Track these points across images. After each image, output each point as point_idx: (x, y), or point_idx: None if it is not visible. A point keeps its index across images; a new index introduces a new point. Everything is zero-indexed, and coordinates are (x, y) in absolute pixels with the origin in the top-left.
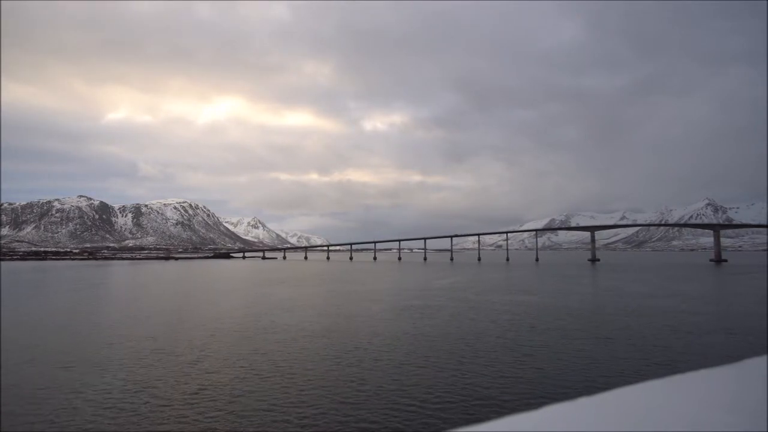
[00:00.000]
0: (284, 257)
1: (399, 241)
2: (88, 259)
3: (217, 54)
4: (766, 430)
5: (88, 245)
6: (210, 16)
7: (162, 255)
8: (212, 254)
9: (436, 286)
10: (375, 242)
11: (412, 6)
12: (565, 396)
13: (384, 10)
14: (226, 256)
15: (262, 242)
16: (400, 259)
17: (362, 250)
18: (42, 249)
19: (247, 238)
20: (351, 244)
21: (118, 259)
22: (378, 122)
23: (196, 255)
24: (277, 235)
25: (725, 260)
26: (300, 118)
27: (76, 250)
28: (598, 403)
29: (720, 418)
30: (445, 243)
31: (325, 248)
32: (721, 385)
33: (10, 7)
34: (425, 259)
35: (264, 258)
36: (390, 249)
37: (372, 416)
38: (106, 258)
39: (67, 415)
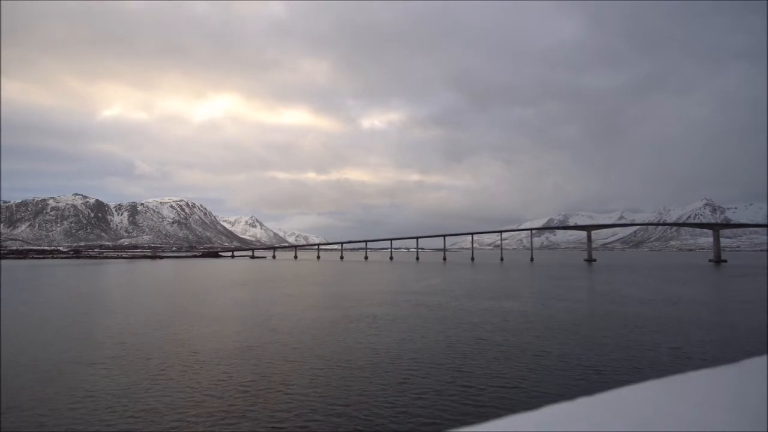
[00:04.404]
0: (274, 256)
1: (390, 240)
2: (72, 257)
3: (212, 51)
4: (766, 430)
5: (82, 244)
6: (205, 12)
7: (149, 254)
8: (201, 253)
9: (413, 289)
10: (366, 241)
11: (410, 3)
12: None
13: (382, 7)
14: (215, 255)
15: (259, 241)
16: (391, 258)
17: (358, 249)
18: (25, 247)
19: (244, 237)
20: (341, 243)
21: (104, 258)
22: (376, 120)
23: (184, 254)
24: (275, 234)
25: (725, 260)
26: (297, 116)
27: (64, 249)
28: (598, 403)
29: (720, 418)
30: (442, 242)
31: (316, 247)
32: (721, 385)
33: (2, 4)
34: (417, 258)
35: (253, 257)
36: (386, 248)
37: None
38: (91, 257)
39: None
